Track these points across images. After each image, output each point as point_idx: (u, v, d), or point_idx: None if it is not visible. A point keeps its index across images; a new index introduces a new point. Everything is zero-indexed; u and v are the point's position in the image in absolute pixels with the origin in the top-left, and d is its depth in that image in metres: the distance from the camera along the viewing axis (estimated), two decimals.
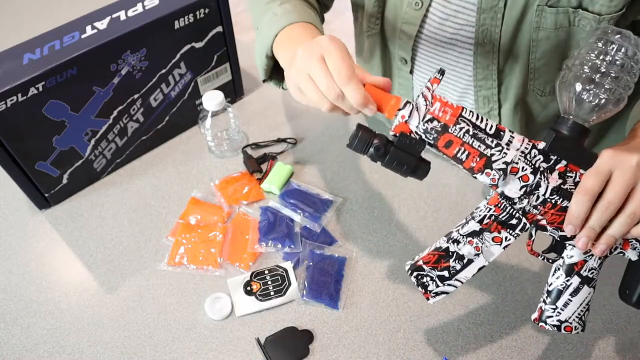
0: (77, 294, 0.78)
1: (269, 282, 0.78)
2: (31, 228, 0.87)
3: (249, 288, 0.77)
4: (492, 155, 0.56)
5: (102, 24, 0.82)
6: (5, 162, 0.79)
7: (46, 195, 0.87)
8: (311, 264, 0.79)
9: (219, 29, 0.92)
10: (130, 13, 0.84)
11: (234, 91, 1.04)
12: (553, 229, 0.59)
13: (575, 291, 0.60)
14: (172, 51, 0.89)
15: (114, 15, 0.83)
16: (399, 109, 0.57)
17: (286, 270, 0.79)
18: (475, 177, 0.57)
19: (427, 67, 0.84)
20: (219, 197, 0.89)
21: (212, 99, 0.87)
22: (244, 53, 1.04)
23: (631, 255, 0.59)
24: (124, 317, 0.76)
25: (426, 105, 0.55)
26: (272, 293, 0.77)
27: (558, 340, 0.73)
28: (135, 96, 0.89)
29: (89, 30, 0.81)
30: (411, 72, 0.86)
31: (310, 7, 0.78)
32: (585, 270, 0.60)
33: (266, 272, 0.79)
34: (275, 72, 0.76)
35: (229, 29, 0.94)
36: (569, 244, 0.60)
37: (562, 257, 0.61)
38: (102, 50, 0.80)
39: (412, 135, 0.57)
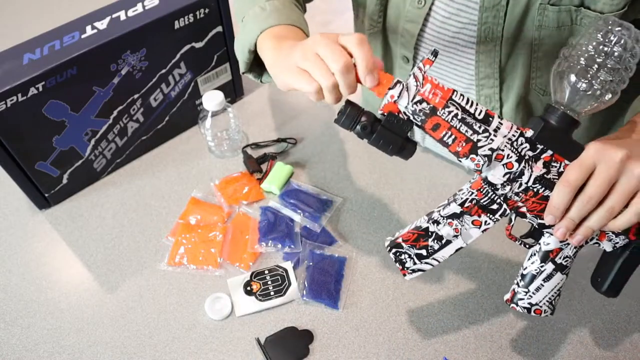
0: (77, 294, 0.78)
1: (269, 282, 0.78)
2: (31, 228, 0.87)
3: (249, 288, 0.77)
4: (478, 141, 0.56)
5: (102, 24, 0.82)
6: (5, 162, 0.79)
7: (46, 195, 0.87)
8: (311, 264, 0.79)
9: (219, 29, 0.92)
10: (130, 13, 0.84)
11: (234, 91, 1.04)
12: (533, 216, 0.59)
13: (548, 277, 0.61)
14: (172, 51, 0.89)
15: (114, 15, 0.83)
16: (390, 88, 0.56)
17: (286, 270, 0.79)
18: (460, 161, 0.57)
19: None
20: (219, 197, 0.89)
21: (212, 99, 0.87)
22: None
23: (606, 246, 0.60)
24: (124, 317, 0.76)
25: (417, 86, 0.55)
26: (272, 293, 0.77)
27: (558, 340, 0.73)
28: (135, 96, 0.89)
29: (89, 30, 0.81)
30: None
31: (296, 7, 0.77)
32: (560, 258, 0.61)
33: (266, 272, 0.79)
34: (254, 65, 0.76)
35: (229, 29, 0.94)
36: (547, 232, 0.61)
37: (539, 244, 0.62)
38: (102, 50, 0.80)
39: (400, 115, 0.57)
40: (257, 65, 0.76)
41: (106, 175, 0.94)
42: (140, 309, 0.77)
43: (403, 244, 0.62)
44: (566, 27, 0.69)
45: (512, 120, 0.83)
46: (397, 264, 0.63)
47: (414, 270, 0.63)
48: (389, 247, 0.63)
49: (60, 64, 0.76)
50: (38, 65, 0.76)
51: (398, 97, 0.56)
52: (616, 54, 0.54)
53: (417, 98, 0.55)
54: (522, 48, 0.73)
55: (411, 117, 0.56)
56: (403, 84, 0.56)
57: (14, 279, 0.80)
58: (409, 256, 0.62)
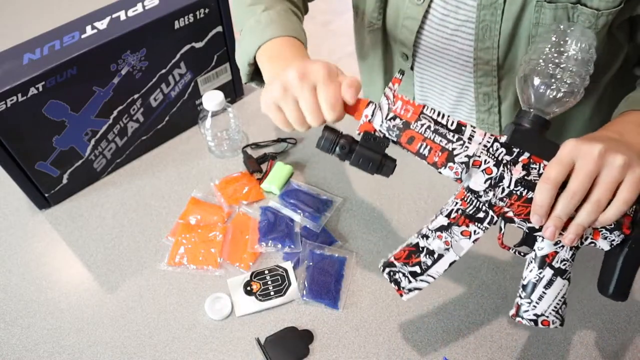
0: (77, 294, 0.78)
1: (269, 282, 0.78)
2: (31, 228, 0.87)
3: (249, 288, 0.77)
4: (453, 149, 0.57)
5: (102, 24, 0.82)
6: (5, 162, 0.79)
7: (46, 195, 0.87)
8: (311, 264, 0.79)
9: (219, 29, 0.92)
10: (130, 13, 0.84)
11: (234, 91, 1.04)
12: (521, 220, 0.59)
13: (549, 283, 0.61)
14: (172, 51, 0.89)
15: (114, 15, 0.83)
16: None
17: (286, 270, 0.79)
18: (440, 173, 0.58)
19: (428, 63, 0.84)
20: (219, 197, 0.89)
21: (212, 99, 0.87)
22: None
23: (603, 245, 0.60)
24: (124, 317, 0.76)
25: (388, 104, 0.57)
26: (272, 293, 0.77)
27: (558, 340, 0.73)
28: (135, 96, 0.89)
29: (89, 30, 0.81)
30: (412, 68, 0.87)
31: (293, 14, 0.78)
32: (557, 262, 0.60)
33: (266, 272, 0.79)
34: (256, 75, 0.77)
35: (229, 29, 0.94)
36: (539, 236, 0.60)
37: (534, 250, 0.61)
38: (102, 50, 0.80)
39: (377, 133, 0.58)
40: (258, 74, 0.77)
41: (106, 175, 0.94)
42: (140, 309, 0.77)
43: (396, 262, 0.62)
44: None
45: (511, 118, 0.83)
46: (393, 284, 0.63)
47: (410, 290, 0.63)
48: (382, 268, 0.63)
49: (60, 64, 0.76)
50: (38, 65, 0.76)
51: (372, 116, 0.58)
52: (574, 54, 0.56)
53: (390, 115, 0.57)
54: (519, 46, 0.74)
55: (386, 134, 0.58)
56: (375, 104, 0.58)
57: (14, 279, 0.80)
58: (403, 275, 0.62)
